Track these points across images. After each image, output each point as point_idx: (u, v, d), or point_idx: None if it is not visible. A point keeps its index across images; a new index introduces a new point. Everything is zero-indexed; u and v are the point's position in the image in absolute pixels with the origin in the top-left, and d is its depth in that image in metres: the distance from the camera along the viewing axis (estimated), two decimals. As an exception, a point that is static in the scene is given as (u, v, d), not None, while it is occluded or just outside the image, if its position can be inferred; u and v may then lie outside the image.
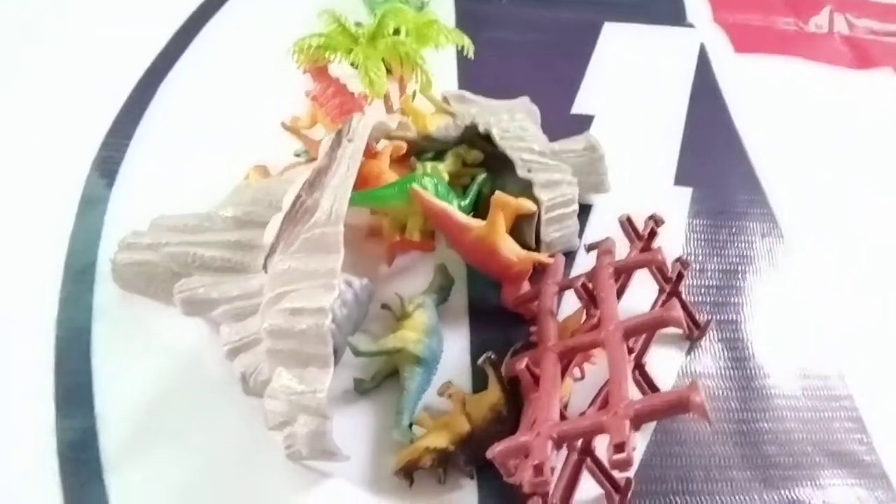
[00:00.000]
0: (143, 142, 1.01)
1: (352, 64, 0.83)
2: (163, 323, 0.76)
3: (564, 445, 0.61)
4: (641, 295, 0.81)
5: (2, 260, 0.84)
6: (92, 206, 0.90)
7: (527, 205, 0.78)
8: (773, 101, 1.20)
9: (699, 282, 0.89)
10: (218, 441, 0.68)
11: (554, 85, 1.18)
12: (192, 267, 0.73)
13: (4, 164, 0.97)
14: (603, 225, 0.92)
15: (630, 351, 0.70)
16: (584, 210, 0.91)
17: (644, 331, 0.69)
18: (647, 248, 0.80)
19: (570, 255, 0.87)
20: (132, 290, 0.78)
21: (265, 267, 0.68)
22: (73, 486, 0.65)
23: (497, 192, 0.76)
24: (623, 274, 0.77)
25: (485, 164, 0.93)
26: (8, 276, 0.82)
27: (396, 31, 0.87)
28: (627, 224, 0.80)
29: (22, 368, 0.74)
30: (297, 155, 0.93)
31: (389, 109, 0.88)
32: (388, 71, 0.85)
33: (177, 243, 0.75)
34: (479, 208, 0.85)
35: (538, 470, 0.54)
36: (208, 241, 0.74)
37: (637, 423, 0.54)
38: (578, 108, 1.14)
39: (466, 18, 1.29)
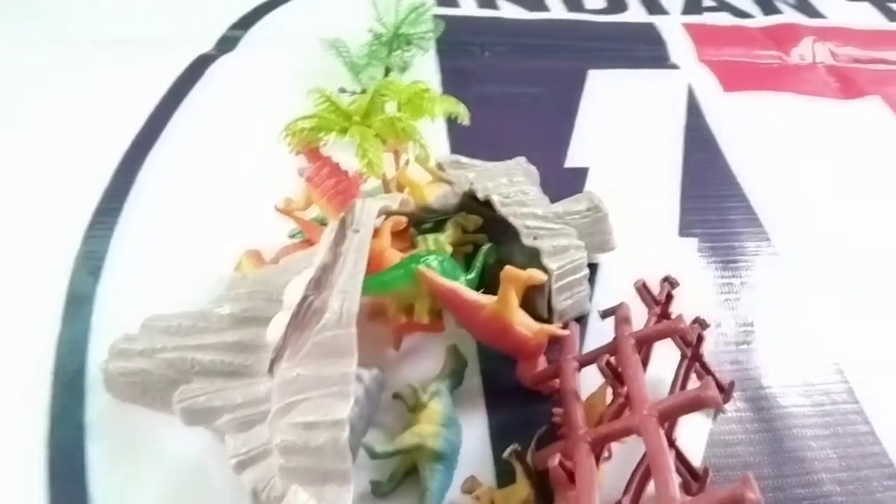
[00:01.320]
0: (126, 232, 0.96)
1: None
2: (163, 435, 0.71)
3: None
4: (660, 359, 0.77)
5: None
6: (78, 306, 0.85)
7: (537, 276, 0.74)
8: (766, 138, 1.19)
9: (716, 338, 0.86)
10: (234, 565, 0.63)
11: (545, 138, 1.16)
12: (191, 373, 0.68)
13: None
14: (611, 284, 0.90)
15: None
16: (592, 270, 0.89)
17: (679, 413, 0.65)
18: (665, 312, 0.77)
19: (582, 320, 0.85)
20: (127, 400, 0.73)
21: (271, 370, 0.64)
22: None
23: (507, 267, 0.73)
24: (644, 345, 0.74)
25: (483, 229, 0.90)
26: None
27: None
28: (644, 290, 0.77)
29: (13, 496, 0.68)
30: (292, 236, 0.89)
31: (386, 186, 0.85)
32: (382, 141, 0.82)
33: (172, 348, 0.70)
34: (486, 280, 0.82)
35: (588, 587, 0.50)
36: (206, 343, 0.69)
37: (690, 528, 0.51)
38: (572, 161, 1.12)
39: (450, 74, 1.28)
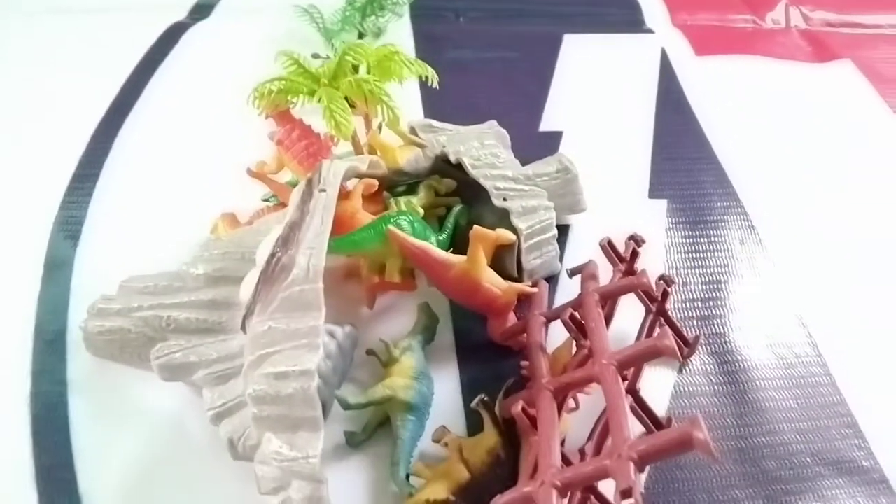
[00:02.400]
0: (103, 198, 0.97)
1: (318, 102, 0.81)
2: (142, 391, 0.73)
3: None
4: (627, 315, 0.80)
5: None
6: (57, 270, 0.87)
7: (506, 235, 0.77)
8: (738, 102, 1.20)
9: (683, 296, 0.88)
10: (211, 510, 0.65)
11: (519, 103, 1.17)
12: (167, 331, 0.70)
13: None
14: (582, 245, 0.92)
15: (623, 379, 0.69)
16: (562, 231, 0.90)
17: (637, 362, 0.68)
18: (630, 269, 0.80)
19: (552, 280, 0.86)
20: (106, 358, 0.75)
21: (244, 327, 0.66)
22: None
23: (475, 227, 0.75)
24: (609, 300, 0.76)
25: (457, 192, 0.92)
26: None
27: (356, 68, 0.85)
28: (609, 248, 0.79)
29: (-1, 452, 0.70)
30: (266, 199, 0.90)
31: (357, 147, 0.86)
32: (352, 107, 0.83)
33: (149, 307, 0.72)
34: (457, 241, 0.84)
35: (545, 522, 0.53)
36: (181, 302, 0.71)
37: (641, 465, 0.53)
38: (546, 125, 1.13)
39: (425, 40, 1.28)
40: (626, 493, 0.51)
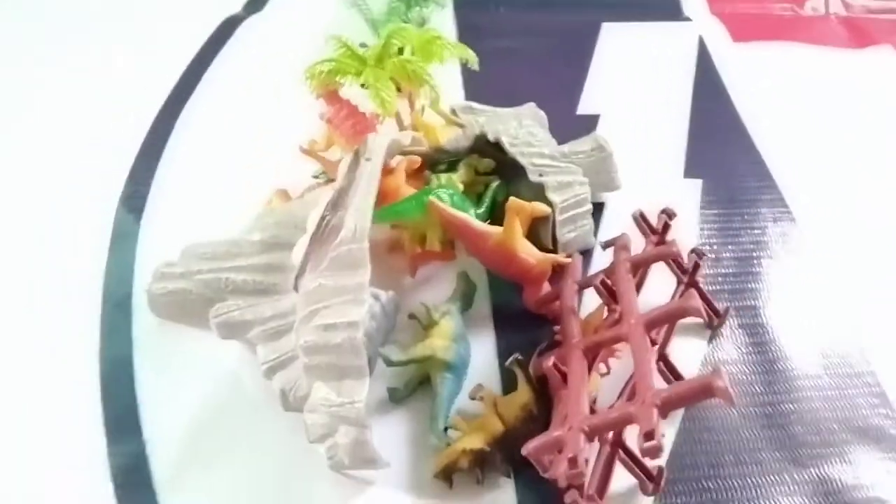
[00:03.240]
0: (166, 174, 1.05)
1: (362, 85, 0.86)
2: (201, 348, 0.79)
3: (597, 439, 0.63)
4: (661, 288, 0.83)
5: (42, 298, 0.88)
6: (123, 240, 0.94)
7: (541, 208, 0.80)
8: (775, 87, 1.22)
9: (715, 271, 0.90)
10: (263, 456, 0.71)
11: (558, 88, 1.20)
12: (226, 292, 0.76)
13: (36, 208, 1.01)
14: (617, 222, 0.94)
15: (653, 343, 0.72)
16: (598, 208, 0.93)
17: (664, 321, 0.71)
18: (661, 241, 0.82)
19: (587, 254, 0.89)
20: (168, 318, 0.81)
21: (296, 287, 0.71)
22: (129, 509, 0.68)
23: (511, 198, 0.78)
24: (640, 268, 0.79)
25: (497, 172, 0.95)
26: (49, 315, 0.86)
27: (401, 51, 0.90)
28: (641, 219, 0.82)
29: (71, 401, 0.77)
30: (316, 177, 0.95)
31: (401, 126, 0.91)
32: (398, 89, 0.88)
33: (208, 270, 0.78)
34: (495, 215, 0.87)
35: (572, 462, 0.56)
36: (239, 265, 0.77)
37: (664, 410, 0.56)
38: (584, 108, 1.17)
39: (467, 29, 1.32)
40: (648, 436, 0.54)
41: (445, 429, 0.71)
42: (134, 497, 0.69)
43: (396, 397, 0.75)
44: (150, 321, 0.83)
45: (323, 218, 0.68)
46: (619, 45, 1.31)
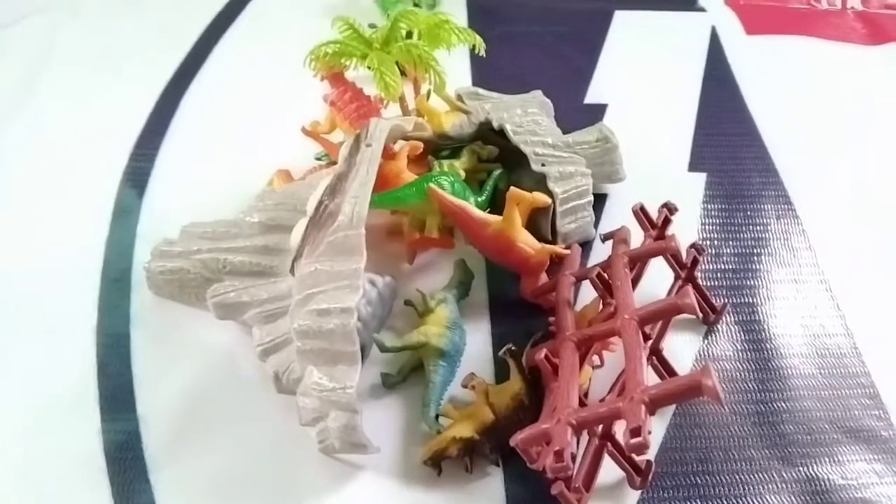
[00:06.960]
0: (169, 152, 1.05)
1: (368, 67, 0.86)
2: (197, 327, 0.80)
3: (585, 431, 0.63)
4: (658, 282, 0.83)
5: (41, 271, 0.88)
6: (124, 216, 0.94)
7: (541, 198, 0.80)
8: (786, 82, 1.20)
9: (715, 266, 0.90)
10: (255, 437, 0.71)
11: (567, 76, 1.19)
12: (223, 272, 0.76)
13: (38, 178, 1.02)
14: (618, 214, 0.93)
15: (647, 338, 0.72)
16: (600, 200, 0.93)
17: (658, 318, 0.71)
18: (661, 236, 0.82)
19: (586, 246, 0.89)
20: (166, 296, 0.82)
21: (292, 270, 0.71)
22: (121, 484, 0.69)
23: (512, 188, 0.78)
24: (638, 262, 0.79)
25: (500, 159, 0.95)
26: (48, 286, 0.86)
27: (409, 34, 0.89)
28: (641, 213, 0.82)
29: (67, 375, 0.78)
30: (318, 158, 0.95)
31: (405, 111, 0.91)
32: (403, 73, 0.88)
33: (207, 250, 0.78)
34: (496, 204, 0.87)
35: (559, 456, 0.56)
36: (237, 247, 0.77)
37: (652, 407, 0.56)
38: (592, 97, 1.16)
39: (478, 13, 1.31)
40: (635, 432, 0.55)
41: (437, 416, 0.71)
42: (126, 474, 0.70)
43: (389, 383, 0.75)
44: (148, 298, 0.83)
45: (321, 202, 0.68)
46: (631, 33, 1.30)
